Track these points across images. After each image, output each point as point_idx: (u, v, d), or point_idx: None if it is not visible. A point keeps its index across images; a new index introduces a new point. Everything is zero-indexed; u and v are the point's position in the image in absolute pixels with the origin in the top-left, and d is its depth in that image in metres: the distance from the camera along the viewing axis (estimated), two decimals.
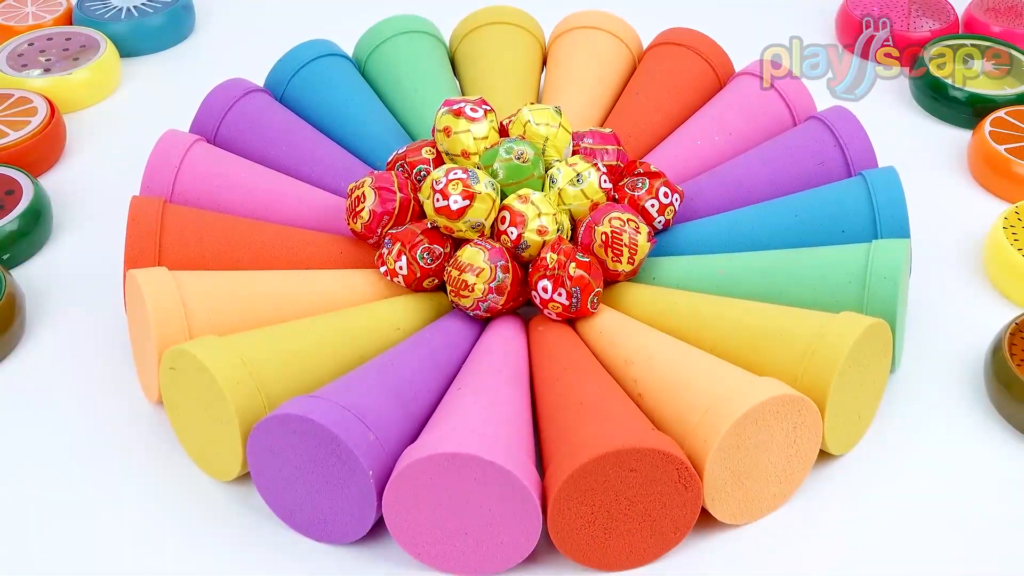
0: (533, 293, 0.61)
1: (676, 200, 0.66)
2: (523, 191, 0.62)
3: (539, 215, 0.61)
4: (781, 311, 0.59)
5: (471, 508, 0.51)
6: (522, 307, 0.63)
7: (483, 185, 0.61)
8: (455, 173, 0.61)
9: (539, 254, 0.61)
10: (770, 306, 0.60)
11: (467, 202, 0.61)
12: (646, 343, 0.59)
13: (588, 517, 0.51)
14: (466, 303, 0.61)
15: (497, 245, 0.61)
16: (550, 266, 0.60)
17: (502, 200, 0.63)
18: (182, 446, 0.59)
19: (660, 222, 0.65)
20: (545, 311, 0.61)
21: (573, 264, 0.60)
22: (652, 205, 0.65)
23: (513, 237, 0.61)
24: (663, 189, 0.65)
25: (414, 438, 0.54)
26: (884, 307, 0.59)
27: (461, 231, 0.62)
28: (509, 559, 0.52)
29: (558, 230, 0.62)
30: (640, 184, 0.65)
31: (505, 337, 0.61)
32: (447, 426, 0.53)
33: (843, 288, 0.60)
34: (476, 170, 0.62)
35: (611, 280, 0.63)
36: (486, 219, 0.62)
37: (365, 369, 0.57)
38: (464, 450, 0.50)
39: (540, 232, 0.61)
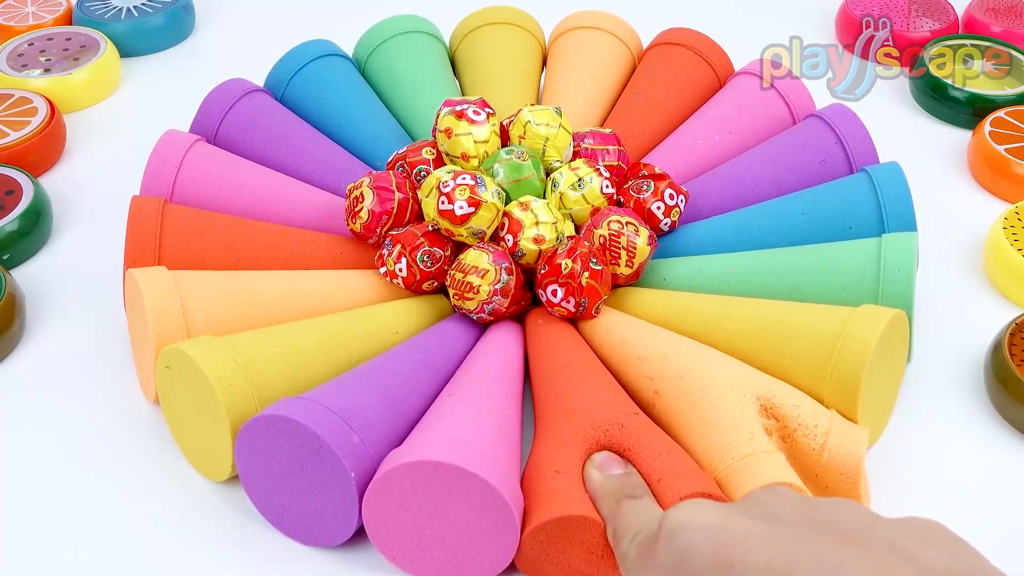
0: (540, 292, 0.61)
1: (681, 201, 0.66)
2: (525, 198, 0.62)
3: (536, 224, 0.61)
4: (799, 308, 0.59)
5: (450, 517, 0.50)
6: (523, 310, 0.63)
7: (490, 194, 0.61)
8: (463, 178, 0.61)
9: (554, 256, 0.60)
10: (787, 303, 0.60)
11: (472, 209, 0.60)
12: (658, 341, 0.59)
13: (557, 556, 0.51)
14: (470, 305, 0.61)
15: (500, 248, 0.61)
16: (564, 272, 0.60)
17: (505, 205, 0.62)
18: (177, 446, 0.59)
19: (666, 224, 0.65)
20: (550, 310, 0.61)
21: (587, 274, 0.59)
22: (658, 207, 0.65)
23: (509, 244, 0.61)
24: (668, 191, 0.65)
25: (402, 442, 0.53)
26: (900, 298, 0.59)
27: (462, 236, 0.61)
28: (485, 572, 0.52)
29: (557, 239, 0.61)
30: (645, 187, 0.65)
31: (502, 344, 0.61)
32: (433, 433, 0.52)
33: (858, 282, 0.60)
34: (484, 177, 0.62)
35: (612, 284, 0.63)
36: (488, 227, 0.61)
37: (357, 372, 0.57)
38: (447, 459, 0.49)
39: (536, 241, 0.61)
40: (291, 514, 0.54)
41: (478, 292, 0.60)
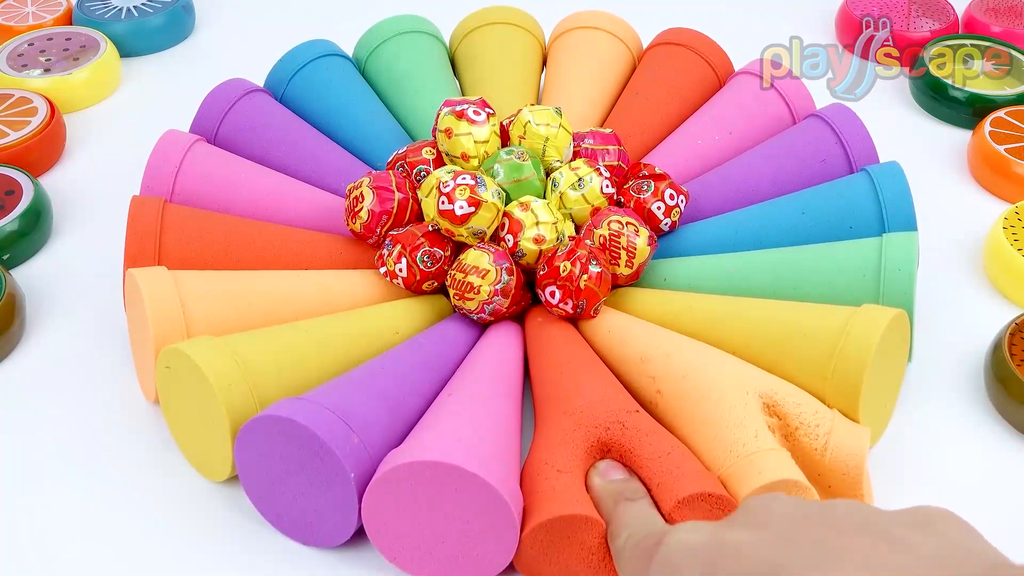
0: (539, 292, 0.61)
1: (682, 201, 0.66)
2: (525, 198, 0.62)
3: (536, 224, 0.61)
4: (800, 307, 0.59)
5: (449, 517, 0.50)
6: (523, 310, 0.63)
7: (490, 194, 0.61)
8: (463, 178, 0.61)
9: (553, 257, 0.60)
10: (788, 303, 0.60)
11: (472, 209, 0.60)
12: (660, 340, 0.59)
13: (556, 557, 0.51)
14: (471, 306, 0.61)
15: (500, 248, 0.61)
16: (562, 275, 0.60)
17: (505, 205, 0.62)
18: (177, 446, 0.59)
19: (667, 224, 0.65)
20: (549, 309, 0.61)
21: (585, 277, 0.59)
22: (658, 208, 0.65)
23: (510, 245, 0.61)
24: (668, 191, 0.65)
25: (402, 442, 0.53)
26: (901, 298, 0.59)
27: (462, 236, 0.61)
28: (484, 571, 0.51)
29: (557, 239, 0.61)
30: (645, 187, 0.65)
31: (502, 344, 0.60)
32: (432, 433, 0.52)
33: (859, 282, 0.60)
34: (484, 177, 0.62)
35: (612, 284, 0.63)
36: (488, 228, 0.61)
37: (356, 372, 0.57)
38: (446, 459, 0.49)
39: (536, 241, 0.61)
40: (291, 514, 0.54)
41: (479, 292, 0.60)
